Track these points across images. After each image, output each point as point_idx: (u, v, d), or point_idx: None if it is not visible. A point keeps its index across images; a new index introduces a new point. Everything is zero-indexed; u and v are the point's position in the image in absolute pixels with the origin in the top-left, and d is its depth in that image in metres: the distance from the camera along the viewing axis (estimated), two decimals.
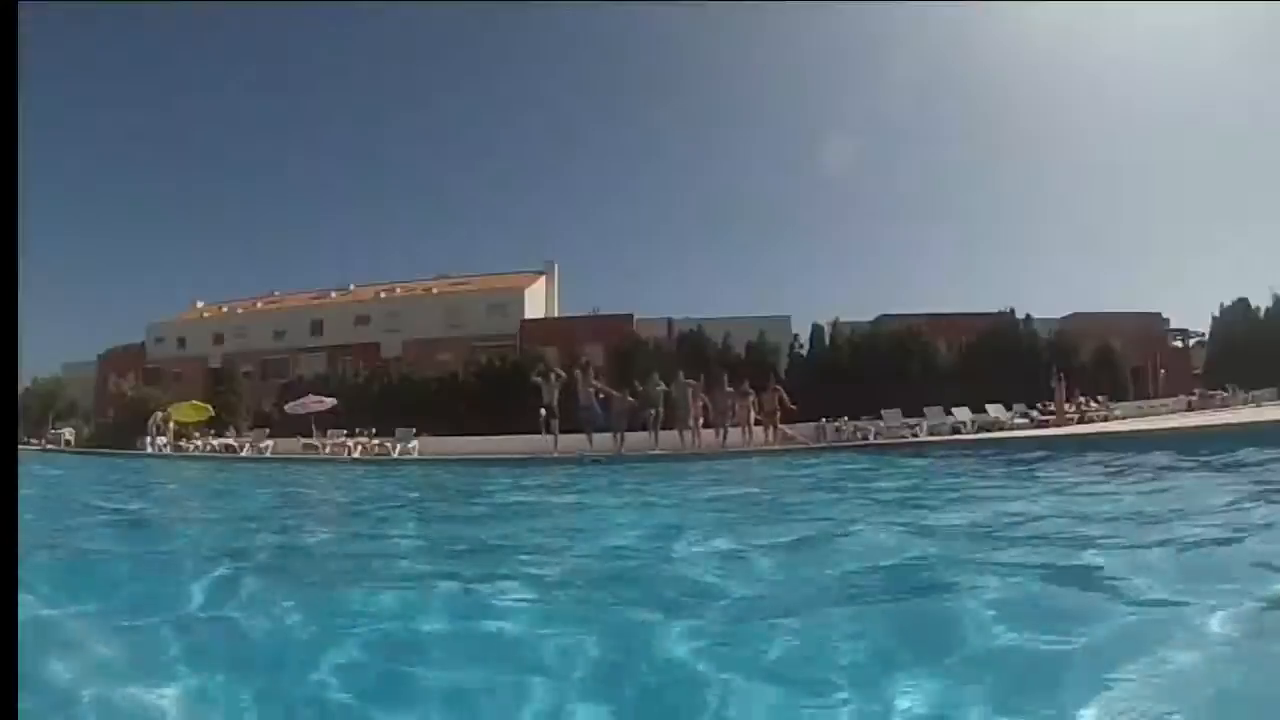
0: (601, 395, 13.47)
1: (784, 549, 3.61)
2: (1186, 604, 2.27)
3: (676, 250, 67.94)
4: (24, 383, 34.96)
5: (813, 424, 18.34)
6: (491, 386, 27.10)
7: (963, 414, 18.68)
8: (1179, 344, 37.01)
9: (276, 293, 47.01)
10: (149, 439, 21.33)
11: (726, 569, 3.13)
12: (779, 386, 15.20)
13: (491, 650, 2.14)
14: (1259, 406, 18.66)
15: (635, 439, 13.91)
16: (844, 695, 1.69)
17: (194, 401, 24.71)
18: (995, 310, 29.94)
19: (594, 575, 3.28)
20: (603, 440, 13.39)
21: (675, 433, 13.84)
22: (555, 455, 12.62)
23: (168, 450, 20.67)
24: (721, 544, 3.72)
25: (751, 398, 14.71)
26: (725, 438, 13.99)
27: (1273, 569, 2.58)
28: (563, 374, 14.04)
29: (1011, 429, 17.04)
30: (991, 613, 2.14)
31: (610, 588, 3.01)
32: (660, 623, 2.25)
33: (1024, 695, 1.69)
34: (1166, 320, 36.83)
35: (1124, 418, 19.32)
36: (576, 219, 67.19)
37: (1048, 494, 5.50)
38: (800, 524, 4.73)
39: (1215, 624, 1.95)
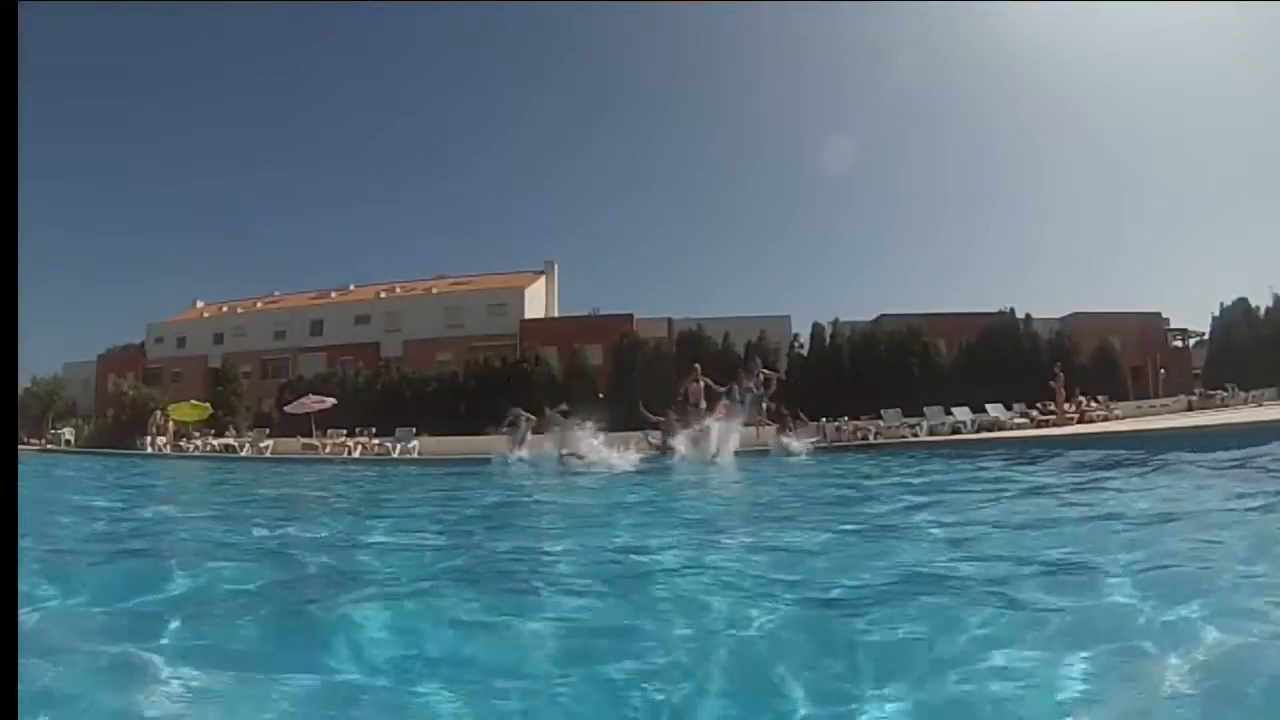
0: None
1: None
2: None
3: (676, 250, 68.11)
4: (24, 383, 34.95)
5: (813, 424, 18.33)
6: (491, 386, 27.11)
7: (963, 414, 18.69)
8: (1179, 344, 37.04)
9: (276, 293, 47.03)
10: (149, 439, 21.34)
11: None
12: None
13: None
14: (1259, 406, 18.67)
15: None
16: None
17: (193, 401, 24.73)
18: (995, 310, 29.95)
19: None
20: None
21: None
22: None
23: (167, 450, 20.67)
24: None
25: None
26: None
27: None
28: (533, 419, 13.93)
29: (1011, 429, 17.04)
30: None
31: None
32: None
33: None
34: (1166, 320, 36.87)
35: (1124, 417, 19.32)
36: (576, 219, 67.32)
37: None
38: None
39: None
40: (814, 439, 14.57)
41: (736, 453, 11.16)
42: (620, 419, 14.75)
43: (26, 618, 2.32)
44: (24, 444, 24.01)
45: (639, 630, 2.35)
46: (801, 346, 29.80)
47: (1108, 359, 28.27)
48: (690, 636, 2.24)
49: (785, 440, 12.82)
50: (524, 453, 12.99)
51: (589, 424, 12.28)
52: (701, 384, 12.76)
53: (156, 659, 2.04)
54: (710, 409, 11.86)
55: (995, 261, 63.92)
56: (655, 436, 12.48)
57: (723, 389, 12.28)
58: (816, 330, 29.84)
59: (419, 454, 18.30)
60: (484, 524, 5.66)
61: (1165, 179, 60.78)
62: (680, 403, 12.53)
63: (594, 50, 62.29)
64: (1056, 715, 1.66)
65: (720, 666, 1.99)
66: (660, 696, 1.81)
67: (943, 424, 18.30)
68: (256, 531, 5.06)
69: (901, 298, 74.39)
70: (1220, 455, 6.60)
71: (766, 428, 14.11)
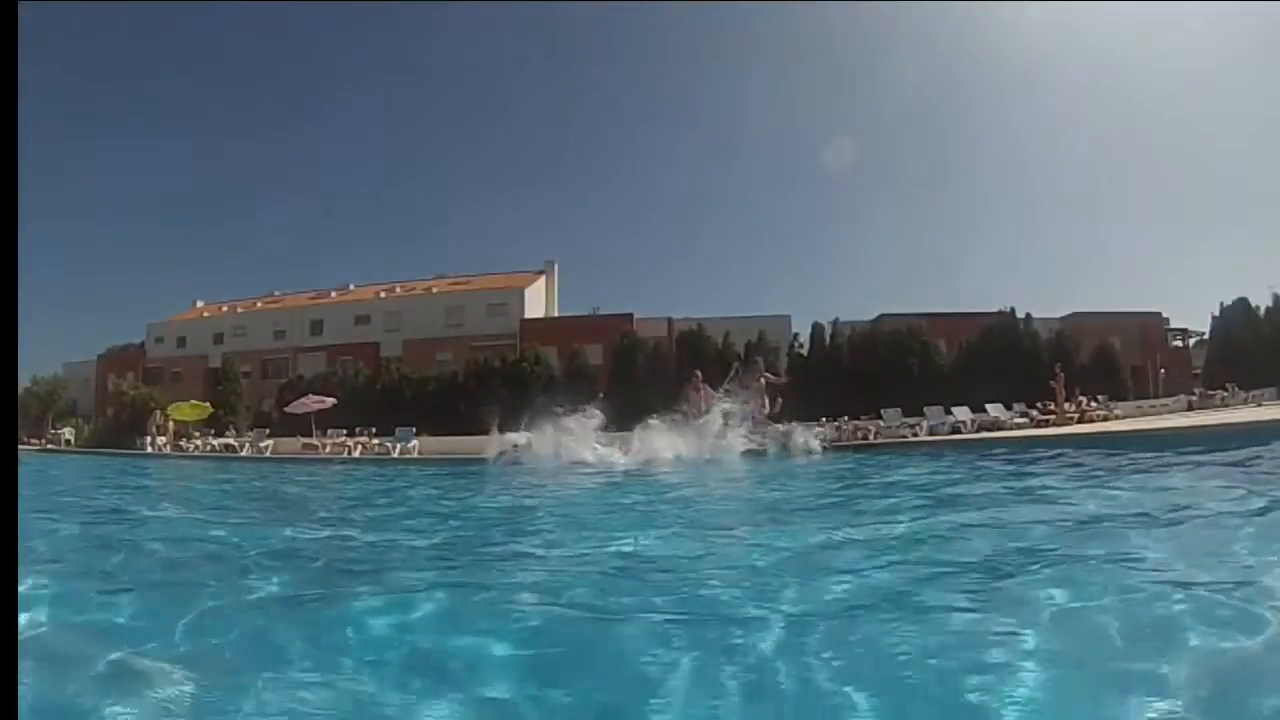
0: None
1: None
2: None
3: (677, 250, 67.88)
4: (24, 383, 34.98)
5: (813, 424, 18.32)
6: (491, 386, 27.09)
7: (962, 413, 18.68)
8: (1179, 344, 37.02)
9: (276, 293, 47.03)
10: (149, 438, 21.35)
11: None
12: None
13: None
14: (1259, 406, 18.66)
15: None
16: None
17: (193, 401, 24.74)
18: (995, 310, 29.93)
19: None
20: None
21: None
22: None
23: (167, 450, 20.67)
24: None
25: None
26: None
27: None
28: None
29: (1011, 429, 17.04)
30: None
31: None
32: None
33: None
34: (1166, 320, 36.85)
35: (1124, 417, 19.31)
36: (576, 219, 67.14)
37: None
38: None
39: None
40: (830, 435, 14.54)
41: (742, 453, 11.17)
42: (621, 419, 14.76)
43: (26, 619, 2.32)
44: (24, 444, 24.02)
45: (637, 629, 2.35)
46: (801, 346, 29.80)
47: (1108, 359, 28.26)
48: (689, 635, 2.24)
49: (781, 430, 12.66)
50: (521, 441, 12.64)
51: (590, 415, 12.14)
52: (703, 391, 12.80)
53: (157, 660, 2.04)
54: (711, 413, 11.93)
55: (995, 261, 63.85)
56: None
57: (723, 392, 12.33)
58: (816, 330, 29.83)
59: (419, 453, 18.29)
60: (481, 524, 5.68)
61: (1165, 179, 60.72)
62: (682, 409, 12.57)
63: (594, 50, 62.17)
64: (1057, 714, 1.67)
65: (720, 665, 1.99)
66: (659, 694, 1.81)
67: (943, 424, 18.29)
68: (255, 531, 5.06)
69: (901, 298, 74.21)
70: (1220, 455, 6.61)
71: (769, 429, 14.10)
